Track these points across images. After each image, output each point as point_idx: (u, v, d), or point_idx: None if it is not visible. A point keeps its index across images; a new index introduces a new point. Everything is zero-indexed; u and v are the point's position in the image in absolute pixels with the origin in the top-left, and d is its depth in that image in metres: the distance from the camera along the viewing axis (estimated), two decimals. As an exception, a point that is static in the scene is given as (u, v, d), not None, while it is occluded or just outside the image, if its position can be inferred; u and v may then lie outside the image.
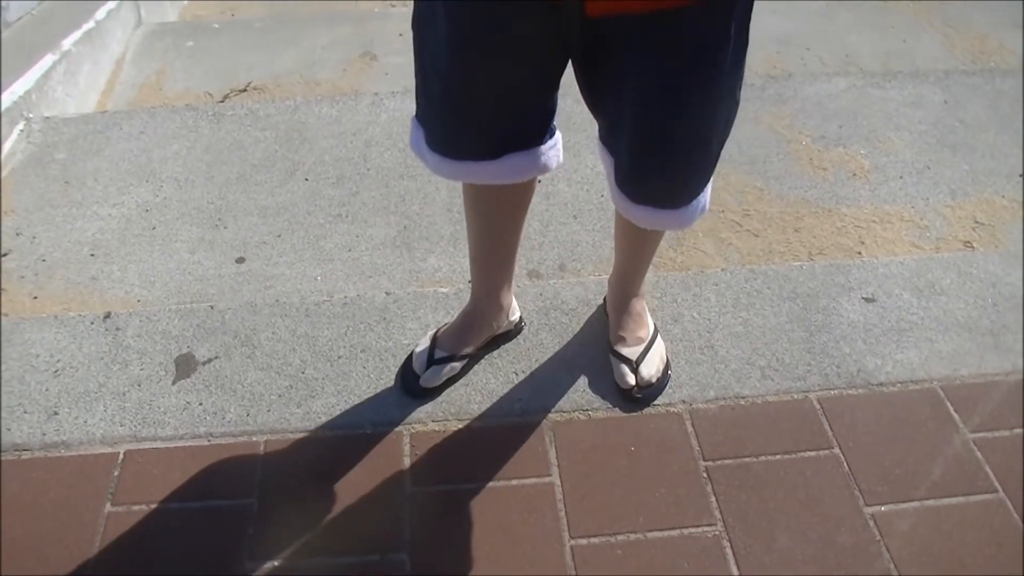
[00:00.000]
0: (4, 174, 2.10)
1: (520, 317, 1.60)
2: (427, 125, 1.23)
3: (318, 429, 1.44)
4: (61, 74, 2.44)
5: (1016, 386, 1.52)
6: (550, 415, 1.47)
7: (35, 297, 1.79)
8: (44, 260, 1.88)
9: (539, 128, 1.23)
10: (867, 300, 1.67)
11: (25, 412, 1.46)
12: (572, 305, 1.66)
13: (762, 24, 2.91)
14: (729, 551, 1.29)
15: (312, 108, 2.32)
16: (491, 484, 1.36)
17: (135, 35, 2.96)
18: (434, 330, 1.55)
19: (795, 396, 1.50)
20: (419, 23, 1.13)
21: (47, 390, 1.50)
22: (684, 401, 1.49)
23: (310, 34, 2.95)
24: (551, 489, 1.36)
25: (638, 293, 1.56)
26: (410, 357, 1.52)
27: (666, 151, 1.13)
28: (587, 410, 1.48)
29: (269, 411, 1.46)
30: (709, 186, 1.25)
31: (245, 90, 2.64)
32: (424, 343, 1.52)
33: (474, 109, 1.15)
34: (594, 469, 1.39)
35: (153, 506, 1.33)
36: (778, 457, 1.41)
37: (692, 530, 1.31)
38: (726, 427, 1.45)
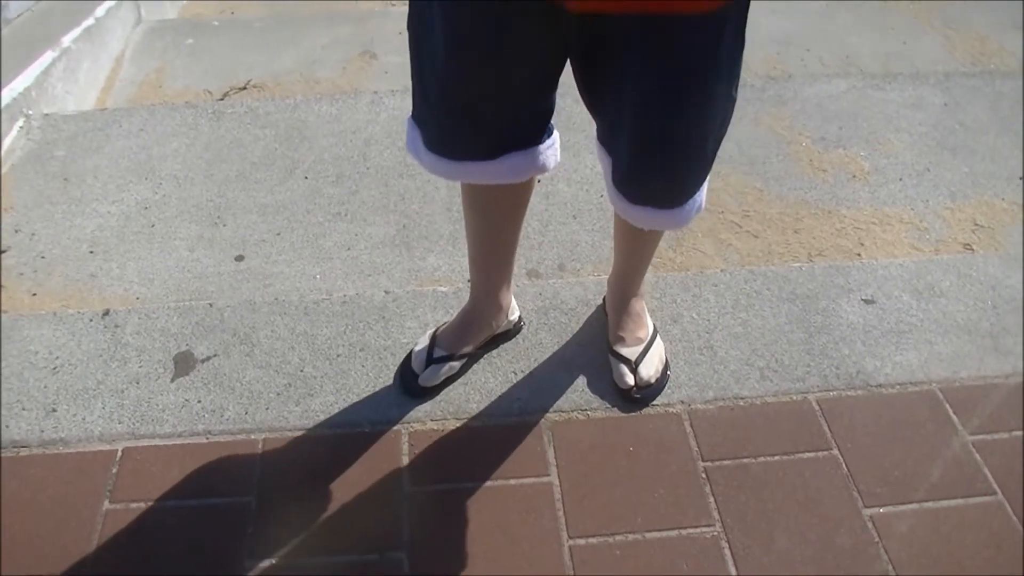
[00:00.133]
0: (4, 171, 2.10)
1: (519, 317, 1.60)
2: (424, 126, 1.22)
3: (317, 427, 1.44)
4: (61, 71, 2.44)
5: (1015, 388, 1.52)
6: (549, 415, 1.47)
7: (34, 294, 1.79)
8: (43, 257, 1.87)
9: (537, 128, 1.23)
10: (866, 302, 1.67)
11: (24, 409, 1.46)
12: (571, 305, 1.66)
13: (762, 25, 2.92)
14: (728, 552, 1.28)
15: (312, 106, 2.32)
16: (489, 483, 1.36)
17: (135, 32, 2.96)
18: (433, 329, 1.55)
19: (794, 397, 1.50)
20: (415, 23, 1.12)
21: (46, 387, 1.50)
22: (683, 401, 1.49)
23: (310, 32, 2.95)
24: (550, 489, 1.36)
25: (637, 293, 1.56)
26: (409, 356, 1.52)
27: (665, 151, 1.13)
28: (586, 410, 1.48)
29: (268, 409, 1.46)
30: (705, 185, 1.25)
31: (245, 88, 2.64)
32: (423, 342, 1.52)
33: (472, 110, 1.15)
34: (593, 469, 1.39)
35: (151, 504, 1.33)
36: (777, 458, 1.41)
37: (691, 531, 1.31)
38: (725, 428, 1.45)
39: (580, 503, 1.34)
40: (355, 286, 1.80)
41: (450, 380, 1.50)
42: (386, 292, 1.68)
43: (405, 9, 1.13)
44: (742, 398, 1.50)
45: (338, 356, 1.55)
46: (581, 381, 1.52)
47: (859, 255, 1.90)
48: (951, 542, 1.30)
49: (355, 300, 1.66)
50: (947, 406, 1.49)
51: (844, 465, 1.40)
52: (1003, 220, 2.01)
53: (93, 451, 1.40)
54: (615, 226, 1.48)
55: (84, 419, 1.44)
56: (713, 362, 1.55)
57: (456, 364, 1.50)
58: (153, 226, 1.95)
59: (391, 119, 2.27)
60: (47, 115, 2.29)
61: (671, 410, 1.48)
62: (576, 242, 1.91)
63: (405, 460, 1.40)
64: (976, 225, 1.99)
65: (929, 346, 1.59)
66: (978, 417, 1.47)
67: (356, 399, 1.48)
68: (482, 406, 1.48)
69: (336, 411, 1.46)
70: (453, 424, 1.45)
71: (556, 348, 1.57)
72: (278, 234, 1.93)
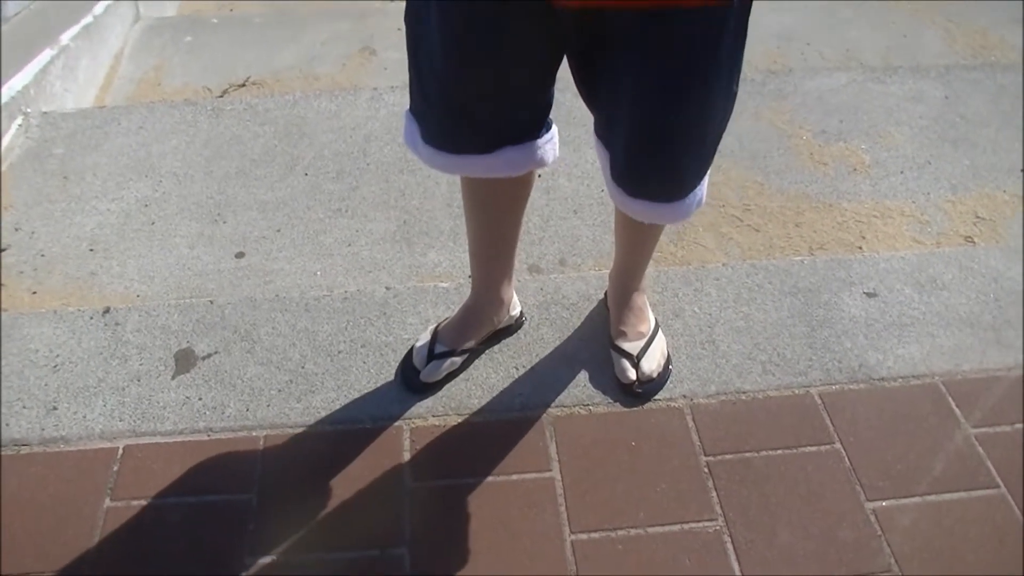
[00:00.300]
0: (3, 169, 2.09)
1: (521, 312, 1.59)
2: (422, 121, 1.22)
3: (318, 424, 1.44)
4: (59, 69, 2.43)
5: (1017, 381, 1.52)
6: (550, 410, 1.46)
7: (34, 292, 1.79)
8: (43, 255, 1.87)
9: (536, 123, 1.23)
10: (868, 295, 1.67)
11: (24, 407, 1.46)
12: (573, 300, 1.65)
13: (763, 19, 2.91)
14: (730, 546, 1.28)
15: (311, 103, 2.32)
16: (491, 479, 1.36)
17: (133, 30, 2.95)
18: (434, 325, 1.54)
19: (796, 391, 1.50)
20: (412, 20, 1.12)
21: (46, 385, 1.49)
22: (685, 396, 1.49)
23: (309, 29, 2.94)
24: (551, 484, 1.36)
25: (639, 288, 1.55)
26: (410, 352, 1.52)
27: (665, 149, 1.12)
28: (588, 405, 1.47)
29: (269, 406, 1.46)
30: (706, 179, 1.24)
31: (244, 85, 2.63)
32: (424, 338, 1.52)
33: (470, 106, 1.15)
34: (595, 464, 1.38)
35: (152, 501, 1.33)
36: (779, 452, 1.40)
37: (693, 525, 1.31)
38: (727, 422, 1.45)
39: (582, 498, 1.34)
40: (356, 282, 1.80)
41: (451, 376, 1.50)
42: (387, 288, 1.68)
43: (403, 5, 1.13)
44: (744, 392, 1.49)
45: (339, 352, 1.55)
46: (583, 376, 1.51)
47: (860, 248, 1.90)
48: (954, 535, 1.30)
49: (356, 296, 1.66)
50: (949, 399, 1.49)
51: (846, 459, 1.40)
52: (1004, 212, 2.01)
53: (94, 449, 1.40)
54: (616, 220, 1.47)
55: (85, 417, 1.44)
56: (715, 356, 1.55)
57: (457, 360, 1.50)
58: (153, 223, 1.95)
59: (391, 115, 2.27)
60: (46, 113, 2.29)
61: (673, 404, 1.48)
62: (577, 237, 1.91)
63: (406, 456, 1.39)
64: (977, 218, 1.99)
65: (931, 339, 1.59)
66: (980, 410, 1.47)
67: (357, 395, 1.48)
68: (484, 401, 1.47)
69: (337, 407, 1.46)
70: (455, 420, 1.45)
71: (558, 343, 1.57)
72: (278, 231, 1.93)
